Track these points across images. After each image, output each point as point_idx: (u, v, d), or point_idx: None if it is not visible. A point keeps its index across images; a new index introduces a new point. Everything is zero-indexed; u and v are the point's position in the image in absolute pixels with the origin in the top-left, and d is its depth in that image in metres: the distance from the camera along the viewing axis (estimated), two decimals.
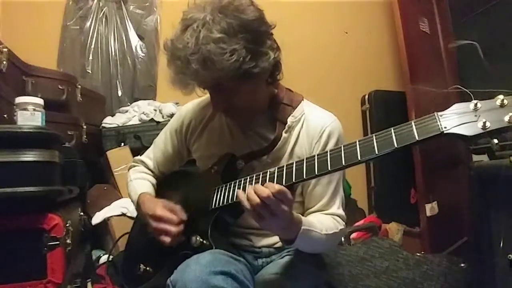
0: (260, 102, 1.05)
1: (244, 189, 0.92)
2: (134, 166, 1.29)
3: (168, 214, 0.99)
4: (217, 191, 0.99)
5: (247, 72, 0.88)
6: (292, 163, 0.82)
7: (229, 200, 0.94)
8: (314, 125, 1.05)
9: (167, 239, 0.97)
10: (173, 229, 0.96)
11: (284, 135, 1.03)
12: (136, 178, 1.22)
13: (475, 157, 1.51)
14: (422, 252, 1.73)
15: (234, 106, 0.98)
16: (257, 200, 0.77)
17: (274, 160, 1.03)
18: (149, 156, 1.26)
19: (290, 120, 1.04)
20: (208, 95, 1.18)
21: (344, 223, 1.03)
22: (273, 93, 1.07)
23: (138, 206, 1.12)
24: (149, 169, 1.26)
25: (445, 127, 0.62)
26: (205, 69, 0.84)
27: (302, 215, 1.04)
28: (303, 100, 1.10)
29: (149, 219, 1.03)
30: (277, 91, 1.08)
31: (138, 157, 1.30)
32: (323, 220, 0.98)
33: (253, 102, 1.01)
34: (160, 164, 1.24)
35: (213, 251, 0.88)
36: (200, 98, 1.19)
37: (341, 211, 1.04)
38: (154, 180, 1.24)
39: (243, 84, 0.93)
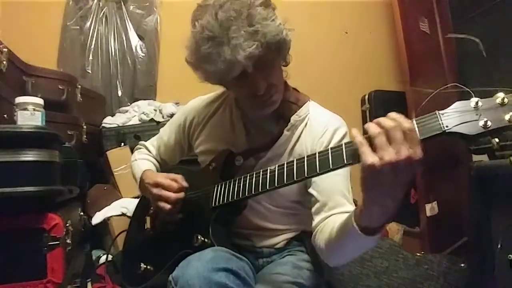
0: (282, 88, 1.03)
1: (244, 187, 0.92)
2: (139, 148, 1.33)
3: (169, 181, 1.01)
4: (217, 189, 0.99)
5: (284, 40, 0.90)
6: (293, 161, 0.82)
7: (229, 198, 0.94)
8: (317, 124, 1.04)
9: (166, 206, 0.99)
10: (172, 195, 0.99)
11: (285, 132, 1.03)
12: (141, 158, 1.26)
13: (475, 157, 1.51)
14: (422, 252, 1.73)
15: (271, 87, 0.95)
16: (378, 129, 0.63)
17: (273, 157, 1.03)
18: (153, 144, 1.30)
19: (293, 118, 1.04)
20: (211, 94, 1.19)
21: None
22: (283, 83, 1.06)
23: (141, 181, 1.14)
24: (152, 155, 1.30)
25: (446, 126, 0.62)
26: (258, 31, 0.84)
27: (306, 216, 1.03)
28: (309, 100, 1.10)
29: (150, 188, 1.04)
30: (284, 87, 1.07)
31: (143, 142, 1.34)
32: None
33: (281, 83, 1.02)
34: (161, 153, 1.28)
35: (215, 249, 0.88)
36: (205, 95, 1.21)
37: None
38: (157, 164, 1.28)
39: (278, 57, 0.95)
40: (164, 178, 1.03)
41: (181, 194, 1.00)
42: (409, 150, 0.60)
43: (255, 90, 0.93)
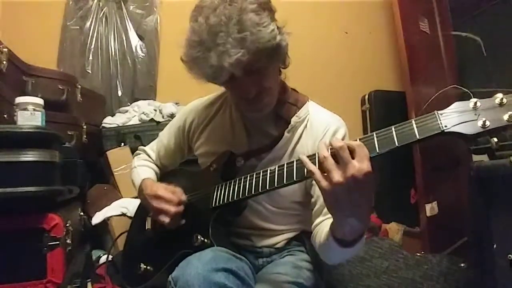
0: (277, 91, 1.03)
1: (244, 188, 0.92)
2: (139, 154, 1.33)
3: (169, 195, 1.01)
4: (217, 189, 0.99)
5: (277, 45, 0.88)
6: (293, 162, 0.82)
7: (229, 198, 0.94)
8: (318, 125, 1.04)
9: (166, 219, 0.99)
10: (172, 208, 0.99)
11: (286, 134, 1.03)
12: (140, 165, 1.25)
13: (475, 157, 1.50)
14: (422, 252, 1.73)
15: (262, 91, 0.95)
16: (325, 153, 0.69)
17: (274, 158, 1.03)
18: (153, 148, 1.30)
19: (294, 120, 1.04)
20: (211, 95, 1.19)
21: None
22: (281, 85, 1.07)
23: (140, 190, 1.13)
24: (152, 160, 1.29)
25: (445, 126, 0.62)
26: (246, 38, 0.83)
27: (307, 216, 1.03)
28: (308, 101, 1.10)
29: (150, 200, 1.04)
30: (283, 89, 1.07)
31: (143, 147, 1.33)
32: None
33: (275, 87, 1.01)
34: (161, 157, 1.27)
35: (215, 249, 0.88)
36: (205, 97, 1.21)
37: None
38: (157, 169, 1.27)
39: (271, 63, 0.93)
40: (164, 191, 1.03)
41: (181, 208, 1.00)
42: (356, 167, 0.64)
43: (245, 94, 0.93)
